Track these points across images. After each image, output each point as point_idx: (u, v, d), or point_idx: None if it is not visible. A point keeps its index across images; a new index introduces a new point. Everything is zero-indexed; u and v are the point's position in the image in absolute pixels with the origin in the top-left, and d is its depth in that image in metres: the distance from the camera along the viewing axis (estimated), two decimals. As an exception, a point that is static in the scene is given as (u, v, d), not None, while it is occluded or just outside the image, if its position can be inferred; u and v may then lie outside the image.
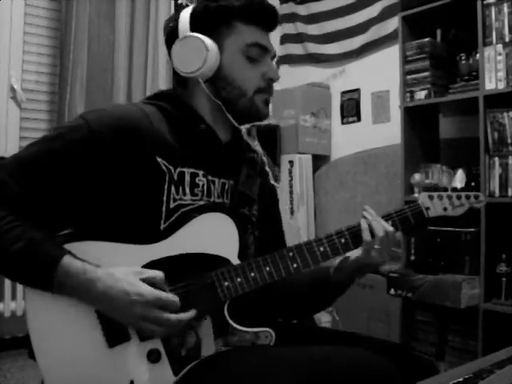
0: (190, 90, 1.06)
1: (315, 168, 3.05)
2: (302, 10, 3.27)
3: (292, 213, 2.92)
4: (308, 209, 2.99)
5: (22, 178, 0.89)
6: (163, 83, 2.91)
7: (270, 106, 1.10)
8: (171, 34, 1.04)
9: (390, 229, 1.02)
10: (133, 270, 0.90)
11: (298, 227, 2.91)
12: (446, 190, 1.11)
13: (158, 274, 0.91)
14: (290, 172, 2.94)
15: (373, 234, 1.02)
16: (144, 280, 0.89)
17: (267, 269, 0.97)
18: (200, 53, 0.98)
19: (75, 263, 0.88)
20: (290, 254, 0.98)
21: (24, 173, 0.90)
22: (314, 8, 3.21)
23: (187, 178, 1.00)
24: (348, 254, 1.06)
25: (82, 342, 0.89)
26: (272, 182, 1.18)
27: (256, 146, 1.17)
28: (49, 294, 0.89)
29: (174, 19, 1.04)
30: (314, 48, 3.23)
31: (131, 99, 2.81)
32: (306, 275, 1.12)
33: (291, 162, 2.95)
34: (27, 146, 0.95)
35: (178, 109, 1.03)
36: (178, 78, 1.06)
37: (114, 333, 0.90)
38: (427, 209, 1.06)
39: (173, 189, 0.97)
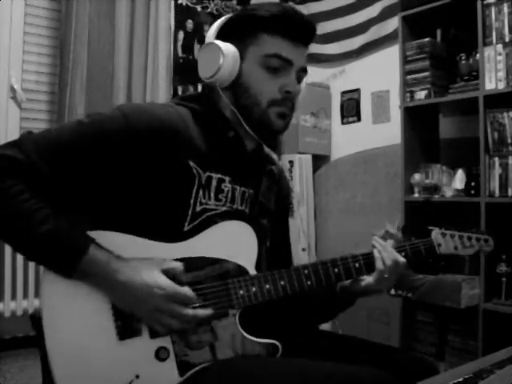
0: (216, 95, 1.06)
1: (315, 168, 3.05)
2: (302, 10, 3.26)
3: (292, 213, 2.92)
4: (308, 209, 2.99)
5: (53, 160, 0.90)
6: (163, 83, 2.91)
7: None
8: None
9: (401, 259, 1.07)
10: (154, 261, 0.92)
11: (298, 227, 2.91)
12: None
13: (178, 265, 0.93)
14: (290, 172, 2.94)
15: (385, 264, 1.06)
16: (164, 271, 0.91)
17: (282, 283, 1.00)
18: (216, 59, 1.00)
19: (100, 253, 0.89)
20: (306, 271, 1.02)
21: (56, 155, 0.90)
22: (313, 8, 3.22)
23: (214, 183, 1.01)
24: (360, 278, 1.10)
25: (93, 330, 0.90)
26: (291, 194, 1.21)
27: (275, 157, 1.20)
28: (66, 280, 0.89)
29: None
30: (314, 48, 3.22)
31: (131, 99, 2.81)
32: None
33: (291, 162, 2.95)
34: (60, 127, 0.95)
35: (210, 113, 1.04)
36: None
37: (126, 326, 0.91)
38: (439, 245, 1.12)
39: (200, 192, 0.99)
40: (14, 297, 2.52)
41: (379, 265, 1.05)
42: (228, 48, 1.00)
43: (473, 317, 2.02)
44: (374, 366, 0.96)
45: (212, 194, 1.01)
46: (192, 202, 0.98)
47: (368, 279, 1.09)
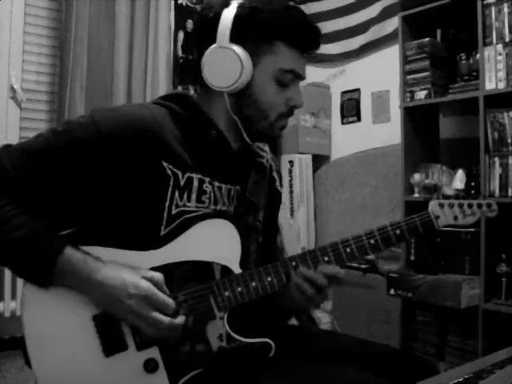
0: (211, 95, 1.01)
1: (315, 168, 3.05)
2: (302, 9, 3.26)
3: (292, 213, 2.92)
4: (308, 209, 2.99)
5: (24, 169, 0.89)
6: (163, 83, 2.91)
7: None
8: (208, 32, 0.96)
9: (324, 283, 0.96)
10: (134, 268, 0.90)
11: (298, 227, 2.91)
12: (449, 197, 1.08)
13: (158, 275, 0.90)
14: (290, 172, 2.94)
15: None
16: (145, 278, 0.89)
17: (269, 279, 0.96)
18: (234, 71, 0.94)
19: (77, 253, 0.88)
20: (293, 263, 0.97)
21: (27, 164, 0.89)
22: (313, 8, 3.21)
23: (195, 183, 0.97)
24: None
25: (78, 350, 0.88)
26: (278, 187, 1.16)
27: (266, 149, 1.16)
28: (46, 299, 0.88)
29: (215, 15, 0.96)
30: (314, 48, 3.23)
31: (131, 99, 2.81)
32: None
33: (291, 162, 2.95)
34: (35, 136, 0.94)
35: (189, 113, 1.00)
36: (201, 80, 1.00)
37: (111, 342, 0.89)
38: (437, 218, 1.01)
39: (176, 194, 0.95)
40: (13, 297, 2.52)
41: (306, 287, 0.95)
42: (244, 57, 0.94)
43: (473, 317, 2.02)
44: (373, 367, 0.96)
45: (193, 196, 0.97)
46: (167, 204, 0.94)
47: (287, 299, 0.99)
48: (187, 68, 3.08)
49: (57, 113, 2.65)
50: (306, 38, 0.98)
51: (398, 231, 0.99)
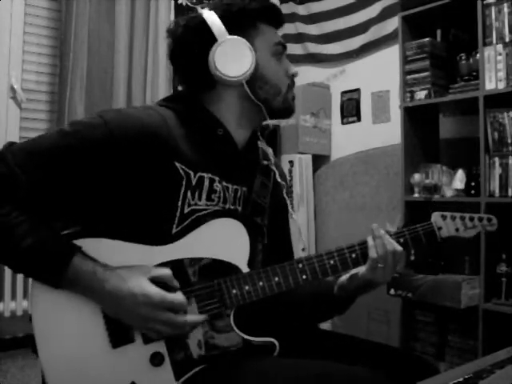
0: (216, 93, 1.04)
1: (315, 168, 3.05)
2: (302, 9, 3.27)
3: (291, 213, 2.92)
4: (308, 209, 2.99)
5: (31, 170, 0.88)
6: (163, 83, 2.91)
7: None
8: (202, 37, 1.00)
9: (398, 248, 1.03)
10: (141, 270, 0.91)
11: (298, 227, 2.91)
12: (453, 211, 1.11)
13: (165, 271, 0.91)
14: (290, 172, 2.94)
15: (378, 252, 1.01)
16: (152, 279, 0.90)
17: (276, 279, 0.97)
18: (246, 56, 0.99)
19: (85, 263, 0.88)
20: (300, 265, 0.99)
21: (34, 165, 0.88)
22: (314, 8, 3.22)
23: (206, 183, 0.99)
24: (355, 271, 1.05)
25: (86, 340, 0.89)
26: (284, 195, 1.18)
27: (270, 153, 1.17)
28: (57, 291, 0.89)
29: (199, 22, 1.01)
30: (314, 48, 3.23)
31: (131, 99, 2.81)
32: (309, 287, 1.10)
33: (291, 162, 2.95)
34: (40, 136, 0.93)
35: (195, 113, 1.02)
36: (200, 83, 1.03)
37: (119, 333, 0.90)
38: (439, 229, 1.06)
39: (189, 194, 0.96)
40: (13, 297, 2.52)
41: (372, 253, 1.00)
42: (248, 42, 1.00)
43: (473, 317, 2.02)
44: (373, 366, 0.96)
45: (204, 195, 0.98)
46: (179, 203, 0.95)
47: (361, 270, 1.03)
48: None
49: (57, 113, 2.65)
50: (275, 14, 1.08)
51: (401, 240, 1.04)
